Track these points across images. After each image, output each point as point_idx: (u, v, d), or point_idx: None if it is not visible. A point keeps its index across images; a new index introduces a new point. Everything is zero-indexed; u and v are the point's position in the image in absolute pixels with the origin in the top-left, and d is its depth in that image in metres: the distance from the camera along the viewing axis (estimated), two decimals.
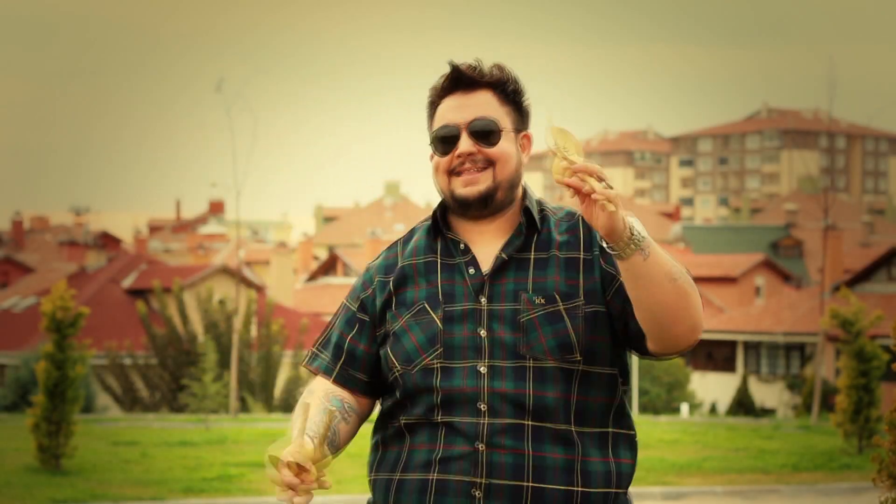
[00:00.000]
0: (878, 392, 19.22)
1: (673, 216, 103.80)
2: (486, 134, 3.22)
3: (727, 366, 50.56)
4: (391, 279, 3.30)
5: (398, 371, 3.21)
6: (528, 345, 3.13)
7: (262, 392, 35.41)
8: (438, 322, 3.18)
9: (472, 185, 3.21)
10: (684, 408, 36.72)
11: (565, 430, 3.12)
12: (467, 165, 3.21)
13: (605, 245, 3.01)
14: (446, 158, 3.24)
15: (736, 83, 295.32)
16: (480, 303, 3.17)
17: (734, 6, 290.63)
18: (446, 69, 3.28)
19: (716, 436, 22.76)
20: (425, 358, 3.16)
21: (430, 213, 3.36)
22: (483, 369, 3.12)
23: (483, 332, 3.15)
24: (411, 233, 3.37)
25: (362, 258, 62.78)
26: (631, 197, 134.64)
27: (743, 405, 40.48)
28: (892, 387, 24.42)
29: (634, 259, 3.00)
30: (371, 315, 3.31)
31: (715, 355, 51.11)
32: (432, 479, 3.13)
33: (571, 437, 3.12)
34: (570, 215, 3.29)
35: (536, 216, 3.27)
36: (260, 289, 45.58)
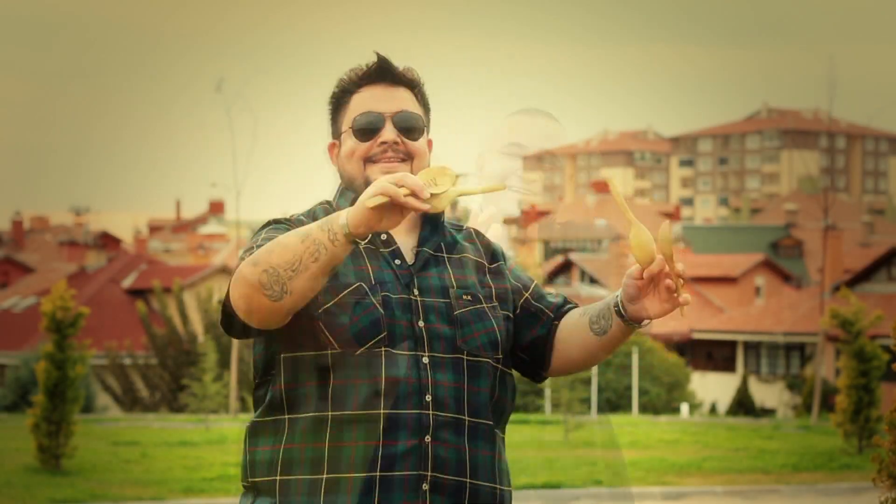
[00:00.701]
0: (878, 392, 19.25)
1: (673, 216, 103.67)
2: (409, 127, 3.18)
3: (727, 366, 50.57)
4: None
5: (334, 350, 3.00)
6: (464, 338, 3.09)
7: None
8: (379, 307, 3.04)
9: (390, 174, 3.11)
10: (684, 408, 36.65)
11: (490, 427, 3.10)
12: (389, 154, 3.16)
13: (624, 319, 3.09)
14: (366, 145, 3.16)
15: (736, 83, 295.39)
16: (413, 294, 3.09)
17: (734, 6, 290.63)
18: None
19: (716, 436, 22.77)
20: (371, 342, 3.00)
21: (321, 202, 3.22)
22: (426, 360, 3.04)
23: (421, 324, 3.06)
24: (311, 214, 3.18)
25: None
26: (631, 197, 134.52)
27: (743, 405, 40.47)
28: (892, 387, 24.41)
29: (633, 329, 3.14)
30: None
31: (715, 355, 51.12)
32: (377, 476, 2.96)
33: (494, 436, 3.12)
34: (458, 226, 3.28)
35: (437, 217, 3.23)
36: None
